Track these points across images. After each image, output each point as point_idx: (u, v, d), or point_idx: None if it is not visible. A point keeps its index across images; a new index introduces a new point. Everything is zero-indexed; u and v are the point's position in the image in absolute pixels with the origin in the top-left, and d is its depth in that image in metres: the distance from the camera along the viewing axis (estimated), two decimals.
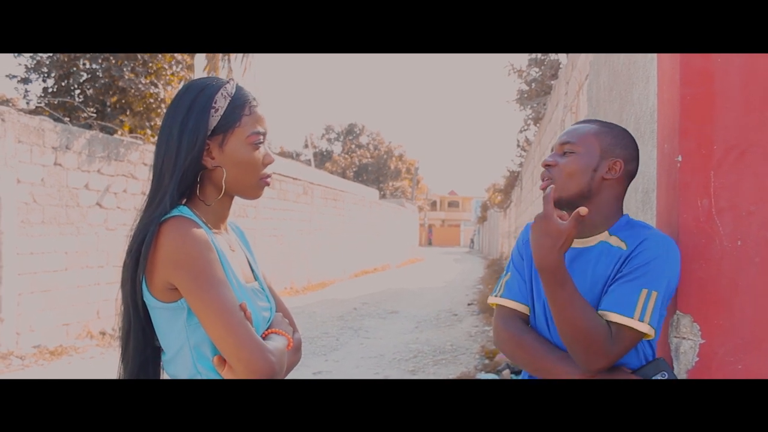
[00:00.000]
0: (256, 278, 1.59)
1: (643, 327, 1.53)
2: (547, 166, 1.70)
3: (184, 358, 1.39)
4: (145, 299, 1.39)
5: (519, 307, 1.76)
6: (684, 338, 1.74)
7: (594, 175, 1.67)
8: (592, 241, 1.69)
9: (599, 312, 1.57)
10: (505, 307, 1.78)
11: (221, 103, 1.42)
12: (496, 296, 1.81)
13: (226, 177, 1.44)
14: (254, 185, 1.48)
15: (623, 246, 1.63)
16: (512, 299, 1.77)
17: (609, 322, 1.54)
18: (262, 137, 1.46)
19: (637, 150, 1.75)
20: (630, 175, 1.73)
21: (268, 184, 1.51)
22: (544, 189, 1.69)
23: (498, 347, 1.80)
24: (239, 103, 1.44)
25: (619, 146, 1.70)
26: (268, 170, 1.50)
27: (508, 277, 1.81)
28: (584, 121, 1.78)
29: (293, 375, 1.52)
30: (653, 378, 1.58)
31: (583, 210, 1.52)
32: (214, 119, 1.42)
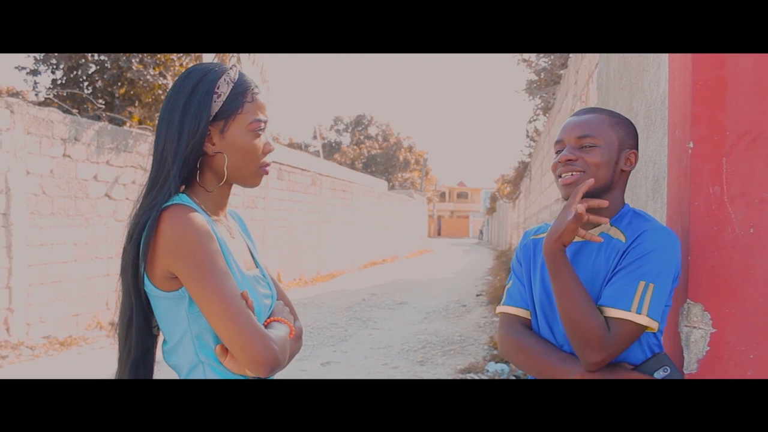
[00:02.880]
0: (257, 265, 1.57)
1: (642, 319, 1.51)
2: (569, 161, 1.64)
3: (186, 347, 1.38)
4: (146, 288, 1.37)
5: (520, 312, 1.77)
6: (695, 327, 1.72)
7: (616, 168, 1.66)
8: (594, 232, 1.67)
9: (598, 307, 1.55)
10: (507, 314, 1.79)
11: (224, 88, 1.41)
12: (501, 304, 1.84)
13: (227, 164, 1.42)
14: (253, 173, 1.47)
15: (622, 238, 1.61)
16: (513, 305, 1.79)
17: (608, 318, 1.53)
18: (263, 125, 1.45)
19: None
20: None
21: (266, 173, 1.50)
22: (571, 183, 1.63)
23: (502, 354, 1.82)
24: (241, 90, 1.43)
25: (631, 136, 1.69)
26: (267, 159, 1.49)
27: (510, 285, 1.83)
28: (590, 111, 1.72)
29: (300, 365, 1.52)
30: (655, 373, 1.55)
31: (580, 208, 1.50)
32: (216, 105, 1.40)
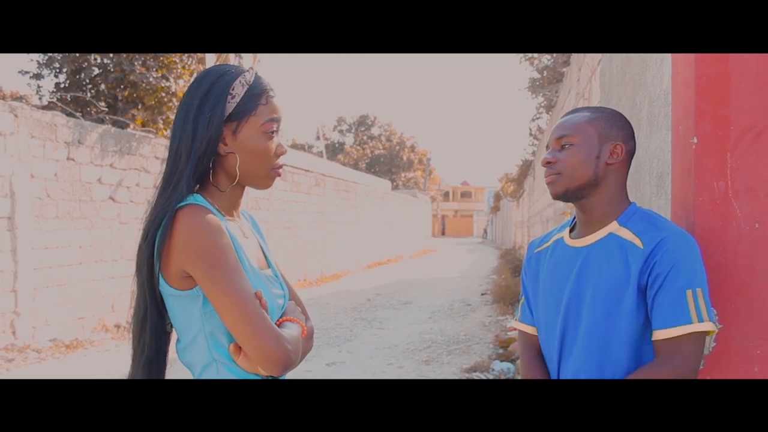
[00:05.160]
0: (269, 265, 1.58)
1: (706, 326, 1.50)
2: (548, 164, 1.68)
3: (199, 346, 1.39)
4: (160, 287, 1.38)
5: (529, 329, 1.84)
6: None
7: (598, 162, 1.65)
8: (600, 234, 1.66)
9: (657, 331, 1.53)
10: (520, 331, 1.87)
11: (239, 90, 1.42)
12: (515, 319, 1.90)
13: (238, 164, 1.43)
14: (265, 175, 1.47)
15: (638, 243, 1.58)
16: (524, 322, 1.86)
17: (675, 337, 1.51)
18: (276, 126, 1.46)
19: (632, 128, 1.72)
20: (630, 155, 1.70)
21: (279, 175, 1.50)
22: (549, 183, 1.70)
23: None
24: (256, 92, 1.44)
25: (615, 128, 1.68)
26: (280, 161, 1.49)
27: (522, 300, 1.89)
28: (573, 112, 1.75)
29: (305, 365, 1.52)
30: None
31: None
32: (231, 105, 1.41)
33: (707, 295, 1.54)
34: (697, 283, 1.52)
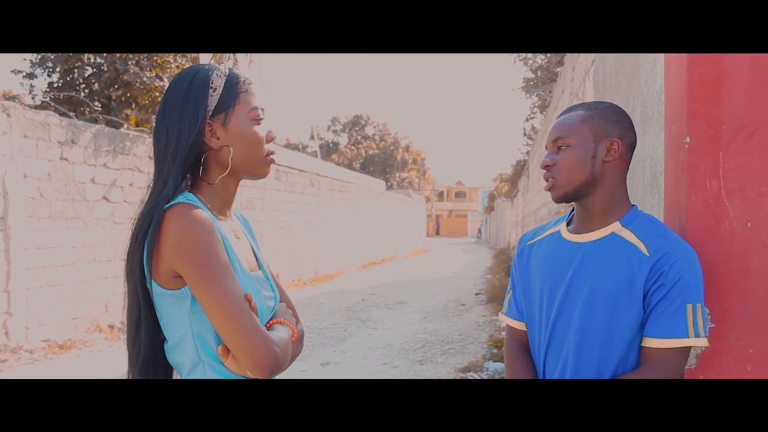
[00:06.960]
0: (260, 267, 1.57)
1: (701, 341, 1.53)
2: (546, 167, 1.68)
3: (186, 346, 1.37)
4: (149, 286, 1.37)
5: (516, 324, 1.83)
6: None
7: (594, 161, 1.63)
8: (602, 232, 1.66)
9: (651, 339, 1.55)
10: (508, 326, 1.86)
11: (218, 82, 1.43)
12: (501, 313, 1.89)
13: (233, 155, 1.43)
14: (260, 162, 1.48)
15: (643, 248, 1.58)
16: (511, 317, 1.84)
17: (669, 348, 1.53)
18: (262, 113, 1.47)
19: (630, 120, 1.70)
20: (630, 148, 1.68)
21: (273, 161, 1.51)
22: (548, 189, 1.69)
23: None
24: (235, 81, 1.45)
25: (610, 124, 1.65)
26: (271, 147, 1.50)
27: (510, 294, 1.87)
28: (569, 110, 1.73)
29: (299, 365, 1.52)
30: None
31: None
32: (214, 99, 1.42)
33: (705, 311, 1.56)
34: (698, 298, 1.54)
